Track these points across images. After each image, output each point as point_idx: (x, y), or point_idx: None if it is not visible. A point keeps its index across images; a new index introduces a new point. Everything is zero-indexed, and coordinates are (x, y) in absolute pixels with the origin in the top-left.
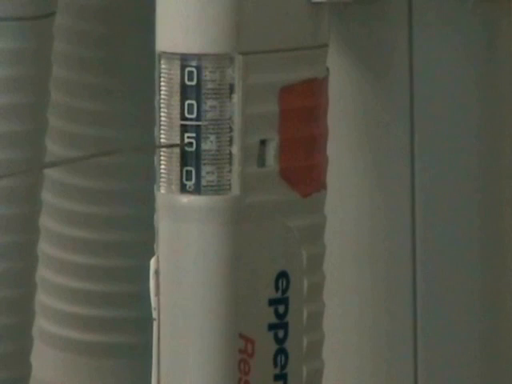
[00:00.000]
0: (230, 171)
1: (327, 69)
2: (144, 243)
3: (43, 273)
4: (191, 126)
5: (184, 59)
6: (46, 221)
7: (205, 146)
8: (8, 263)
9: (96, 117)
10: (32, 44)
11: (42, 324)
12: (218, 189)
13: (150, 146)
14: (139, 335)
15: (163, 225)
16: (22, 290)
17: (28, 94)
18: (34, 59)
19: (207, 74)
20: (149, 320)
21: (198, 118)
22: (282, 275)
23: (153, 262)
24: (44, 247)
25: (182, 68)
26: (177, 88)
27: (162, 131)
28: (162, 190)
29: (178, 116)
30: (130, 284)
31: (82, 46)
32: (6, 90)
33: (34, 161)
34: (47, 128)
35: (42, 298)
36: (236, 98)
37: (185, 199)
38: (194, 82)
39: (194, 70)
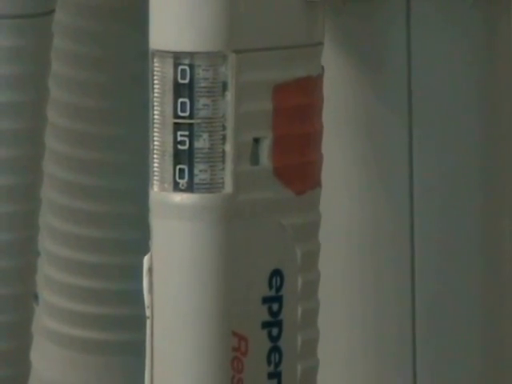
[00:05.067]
0: (223, 169)
1: (322, 67)
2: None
3: (48, 271)
4: (184, 124)
5: (177, 57)
6: (50, 219)
7: (198, 144)
8: (7, 260)
9: (98, 114)
10: (31, 42)
11: (46, 322)
12: (211, 187)
13: None
14: (145, 332)
15: (156, 223)
16: (21, 287)
17: (27, 92)
18: (33, 57)
19: (200, 72)
20: None
21: (190, 116)
22: (276, 273)
23: (146, 259)
24: (48, 245)
25: (175, 66)
26: (170, 86)
27: (155, 129)
28: (156, 188)
29: (171, 114)
30: (136, 281)
31: (81, 43)
32: (6, 87)
33: (33, 158)
34: (46, 125)
35: (46, 296)
36: (229, 96)
37: (178, 197)
38: (186, 80)
39: (186, 68)
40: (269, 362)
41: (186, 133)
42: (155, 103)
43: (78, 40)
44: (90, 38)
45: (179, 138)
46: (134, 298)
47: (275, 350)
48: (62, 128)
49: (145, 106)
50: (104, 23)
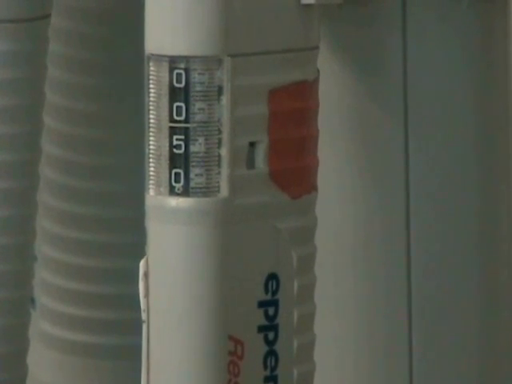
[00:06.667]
0: (219, 173)
1: (317, 71)
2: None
3: (44, 275)
4: (180, 128)
5: (172, 61)
6: (46, 223)
7: (193, 148)
8: (4, 264)
9: (93, 118)
10: (27, 46)
11: (43, 326)
12: (207, 191)
13: None
14: (140, 337)
15: (152, 227)
16: (18, 292)
17: (23, 96)
18: (29, 61)
19: (196, 76)
20: None
21: (186, 120)
22: (272, 277)
23: (142, 263)
24: (45, 249)
25: (171, 70)
26: (165, 90)
27: (150, 133)
28: (151, 192)
29: (167, 118)
30: (132, 285)
31: (78, 47)
32: (2, 92)
33: (29, 163)
34: (43, 130)
35: (43, 300)
36: (225, 100)
37: (173, 201)
38: (182, 84)
39: (182, 72)
40: (265, 366)
41: (182, 137)
42: (151, 107)
43: (71, 43)
44: (82, 42)
45: (175, 142)
46: (130, 302)
47: (271, 353)
48: (57, 132)
49: (140, 110)
50: (97, 26)
